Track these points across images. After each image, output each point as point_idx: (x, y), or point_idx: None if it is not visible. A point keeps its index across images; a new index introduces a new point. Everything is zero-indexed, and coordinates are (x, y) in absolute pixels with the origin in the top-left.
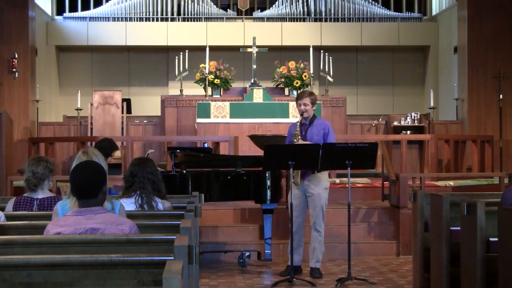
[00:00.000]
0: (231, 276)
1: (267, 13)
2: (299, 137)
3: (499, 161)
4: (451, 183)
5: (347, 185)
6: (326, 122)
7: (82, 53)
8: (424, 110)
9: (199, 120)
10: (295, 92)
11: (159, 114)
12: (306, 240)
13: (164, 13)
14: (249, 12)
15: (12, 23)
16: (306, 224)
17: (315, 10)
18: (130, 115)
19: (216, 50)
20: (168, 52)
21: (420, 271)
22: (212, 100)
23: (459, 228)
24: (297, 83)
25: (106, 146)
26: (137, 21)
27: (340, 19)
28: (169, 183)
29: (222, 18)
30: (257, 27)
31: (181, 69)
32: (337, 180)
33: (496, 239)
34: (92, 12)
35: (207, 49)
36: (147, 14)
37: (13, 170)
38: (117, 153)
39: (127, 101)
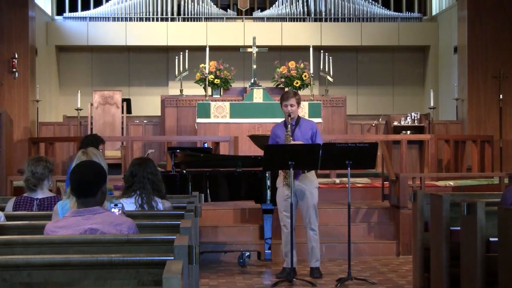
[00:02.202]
0: (231, 276)
1: (267, 13)
2: (290, 138)
3: (499, 161)
4: (451, 183)
5: (347, 185)
6: (312, 122)
7: (82, 53)
8: (424, 110)
9: (199, 120)
10: None
11: (159, 114)
12: (299, 241)
13: (164, 13)
14: (249, 12)
15: (12, 23)
16: (299, 224)
17: (315, 10)
18: (130, 115)
19: (216, 50)
20: (168, 52)
21: (420, 271)
22: (212, 100)
23: (459, 228)
24: (297, 83)
25: (91, 140)
26: (137, 21)
27: (340, 19)
28: (169, 183)
29: (222, 18)
30: (257, 27)
31: (181, 69)
32: (337, 180)
33: (496, 239)
34: (92, 12)
35: (207, 49)
36: (147, 14)
37: (13, 170)
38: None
39: (127, 101)
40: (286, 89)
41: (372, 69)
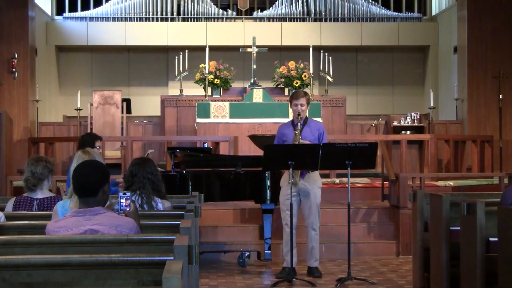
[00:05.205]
0: (231, 276)
1: (267, 13)
2: (300, 137)
3: (499, 161)
4: (451, 183)
5: (347, 185)
6: (320, 123)
7: (82, 53)
8: (424, 110)
9: (199, 120)
10: None
11: (159, 114)
12: (300, 241)
13: (164, 13)
14: (249, 12)
15: (12, 23)
16: (300, 224)
17: (315, 10)
18: (130, 115)
19: (216, 50)
20: (168, 52)
21: (420, 271)
22: (212, 100)
23: (459, 228)
24: (297, 83)
25: (87, 139)
26: (137, 21)
27: (340, 19)
28: (169, 183)
29: (222, 18)
30: (257, 27)
31: (181, 69)
32: (337, 180)
33: (496, 239)
34: (92, 12)
35: (207, 49)
36: (147, 14)
37: (13, 170)
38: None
39: (127, 101)
40: (286, 89)
41: (372, 69)
